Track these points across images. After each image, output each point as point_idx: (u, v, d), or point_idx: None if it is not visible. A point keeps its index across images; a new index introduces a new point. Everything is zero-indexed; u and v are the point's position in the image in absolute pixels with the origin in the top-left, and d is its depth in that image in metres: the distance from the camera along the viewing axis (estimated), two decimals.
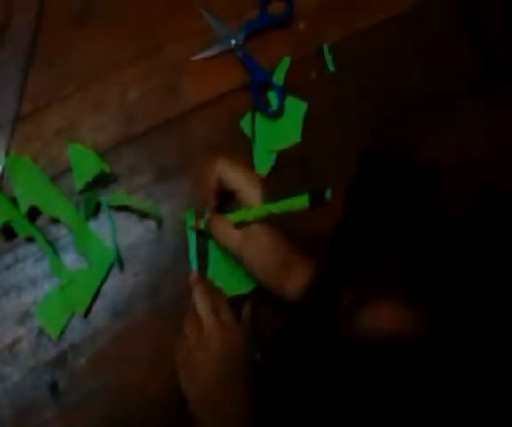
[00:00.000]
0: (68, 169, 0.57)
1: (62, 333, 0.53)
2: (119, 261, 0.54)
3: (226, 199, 0.52)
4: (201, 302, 0.52)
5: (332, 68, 0.60)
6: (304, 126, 0.59)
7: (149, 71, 0.59)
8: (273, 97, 0.59)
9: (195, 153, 0.57)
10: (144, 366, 0.51)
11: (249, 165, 0.57)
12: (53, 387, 0.51)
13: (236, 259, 0.52)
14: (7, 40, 0.60)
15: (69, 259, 0.55)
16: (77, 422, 0.51)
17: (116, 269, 0.54)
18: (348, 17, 0.61)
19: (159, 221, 0.55)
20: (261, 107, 0.57)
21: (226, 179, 0.50)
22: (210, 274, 0.56)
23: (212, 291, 0.54)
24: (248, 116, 0.58)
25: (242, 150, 0.58)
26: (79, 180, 0.56)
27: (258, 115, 0.58)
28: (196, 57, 0.60)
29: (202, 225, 0.54)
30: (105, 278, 0.54)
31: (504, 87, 0.60)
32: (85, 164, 0.56)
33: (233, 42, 0.59)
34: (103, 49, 0.60)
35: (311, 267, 0.49)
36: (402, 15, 0.62)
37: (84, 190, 0.56)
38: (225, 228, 0.51)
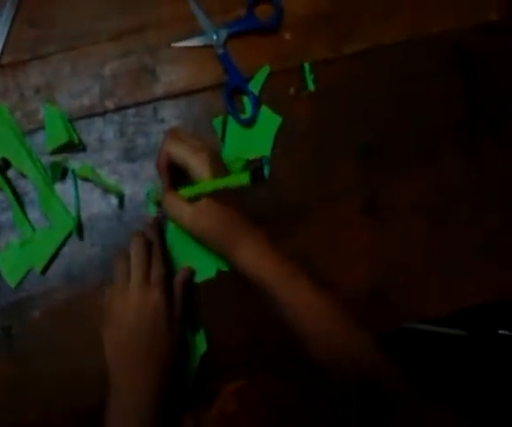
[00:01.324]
0: (42, 128, 0.64)
1: (20, 283, 0.62)
2: (78, 230, 0.63)
3: (181, 175, 0.58)
4: (135, 254, 0.57)
5: (311, 87, 0.66)
6: (275, 141, 0.65)
7: (128, 50, 0.65)
8: (248, 103, 0.65)
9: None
10: (89, 333, 0.60)
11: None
12: (6, 331, 0.61)
13: (189, 235, 0.58)
14: None
15: (34, 215, 0.63)
16: (25, 369, 0.61)
17: (74, 236, 0.63)
18: (335, 38, 0.67)
19: (120, 200, 0.63)
20: (232, 112, 0.64)
21: (173, 154, 0.55)
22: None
23: (152, 248, 0.59)
24: (221, 117, 0.65)
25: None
26: (49, 142, 0.63)
27: (230, 119, 0.65)
28: (176, 44, 0.65)
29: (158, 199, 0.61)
30: (64, 242, 0.63)
31: (489, 138, 0.68)
32: (57, 128, 0.63)
33: (214, 37, 0.64)
34: (86, 18, 0.66)
35: (257, 237, 0.57)
36: (390, 46, 0.68)
37: (54, 152, 0.64)
38: (177, 203, 0.56)
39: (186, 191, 0.56)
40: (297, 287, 0.56)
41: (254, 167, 0.48)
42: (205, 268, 0.64)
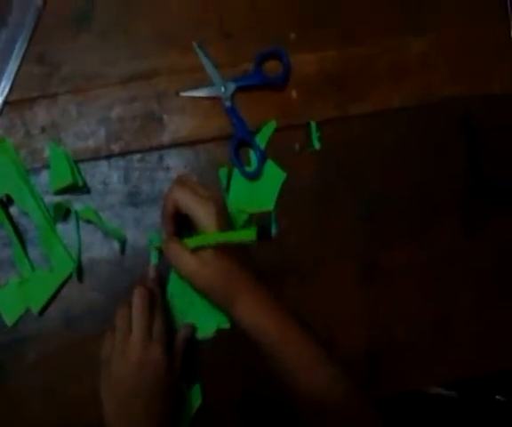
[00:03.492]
0: (47, 167, 0.72)
1: (17, 322, 0.70)
2: (79, 273, 0.71)
3: (185, 224, 0.65)
4: (138, 309, 0.63)
5: (317, 145, 0.76)
6: (279, 196, 0.74)
7: (136, 95, 0.75)
8: (253, 156, 0.74)
9: (167, 187, 0.72)
10: (87, 381, 0.67)
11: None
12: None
13: (190, 285, 0.65)
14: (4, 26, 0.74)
15: (34, 254, 0.71)
16: (17, 411, 0.69)
17: (74, 279, 0.71)
18: (342, 99, 0.77)
19: (122, 245, 0.72)
20: (238, 164, 0.73)
21: (180, 202, 0.62)
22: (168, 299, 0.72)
23: (154, 301, 0.65)
24: (226, 168, 0.74)
25: None
26: (53, 182, 0.71)
27: (235, 170, 0.74)
28: (184, 93, 0.75)
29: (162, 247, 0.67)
30: (63, 284, 0.71)
31: (487, 210, 0.79)
32: (62, 169, 0.71)
33: (222, 89, 0.74)
34: (96, 60, 0.75)
35: (258, 293, 0.63)
36: (396, 110, 0.78)
37: (57, 193, 0.72)
38: (180, 254, 0.62)
39: (190, 242, 0.62)
40: (295, 341, 0.62)
41: (262, 224, 0.56)
42: (205, 325, 0.72)
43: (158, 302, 0.67)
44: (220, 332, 0.72)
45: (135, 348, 0.61)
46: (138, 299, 0.64)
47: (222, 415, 0.72)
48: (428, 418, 1.20)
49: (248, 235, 0.56)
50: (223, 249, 0.62)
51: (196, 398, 0.71)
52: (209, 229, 0.61)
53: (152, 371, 0.61)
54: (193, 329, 0.71)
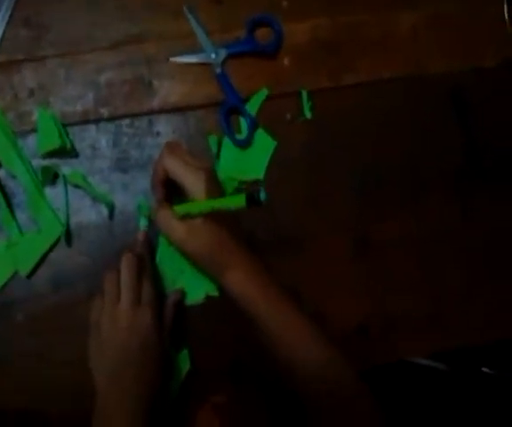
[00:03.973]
0: (35, 130, 0.72)
1: (5, 286, 0.70)
2: (67, 236, 0.71)
3: (175, 190, 0.64)
4: (126, 275, 0.62)
5: (308, 115, 0.75)
6: (269, 165, 0.74)
7: (125, 60, 0.74)
8: (244, 124, 0.74)
9: (156, 153, 0.71)
10: (75, 344, 0.66)
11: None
12: None
13: (180, 252, 0.66)
14: None
15: (22, 217, 0.71)
16: (3, 369, 0.69)
17: (63, 243, 0.71)
18: (334, 68, 0.77)
19: (110, 211, 0.72)
20: (228, 132, 0.72)
21: (170, 169, 0.61)
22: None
23: (142, 266, 0.65)
24: (216, 135, 0.73)
25: None
26: (41, 146, 0.71)
27: (225, 138, 0.73)
28: (174, 59, 0.74)
29: (152, 215, 0.67)
30: (51, 248, 0.70)
31: (478, 183, 0.78)
32: (50, 132, 0.71)
33: (213, 56, 0.73)
34: (85, 23, 0.74)
35: (248, 261, 0.63)
36: (389, 80, 0.78)
37: (45, 156, 0.72)
38: (169, 220, 0.62)
39: (180, 208, 0.62)
40: (283, 314, 0.63)
41: (251, 190, 0.54)
42: (194, 291, 0.72)
43: (147, 267, 0.67)
44: (209, 299, 0.72)
45: (124, 314, 0.61)
46: (126, 264, 0.63)
47: (211, 381, 0.72)
48: (417, 388, 1.22)
49: (237, 201, 0.56)
50: (213, 218, 0.61)
51: (185, 364, 0.71)
52: (198, 197, 0.61)
53: (142, 337, 0.61)
54: (183, 294, 0.71)
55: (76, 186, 0.72)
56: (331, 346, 0.62)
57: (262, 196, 0.54)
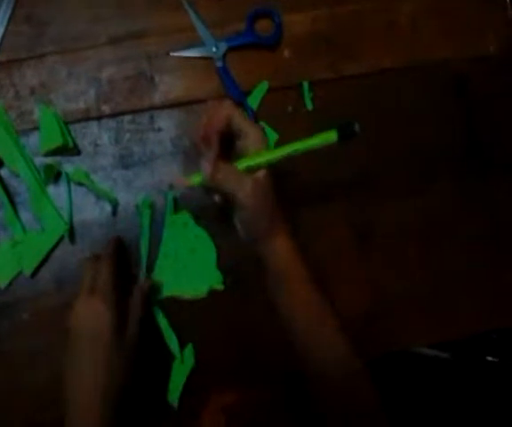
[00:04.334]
0: (37, 128, 0.71)
1: (9, 285, 0.69)
2: (70, 234, 0.71)
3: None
4: (84, 268, 0.64)
5: (309, 106, 0.75)
6: None
7: (127, 55, 0.74)
8: None
9: (159, 149, 0.72)
10: None
11: None
12: None
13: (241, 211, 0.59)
14: None
15: (25, 216, 0.71)
16: (8, 368, 0.69)
17: (66, 241, 0.70)
18: (334, 59, 0.76)
19: (114, 208, 0.71)
20: None
21: (234, 118, 0.57)
22: (157, 267, 0.71)
23: (99, 262, 0.64)
24: None
25: None
26: (44, 144, 0.71)
27: None
28: (175, 53, 0.73)
29: (195, 180, 0.59)
30: (55, 246, 0.70)
31: (482, 172, 0.78)
32: (52, 130, 0.71)
33: (214, 49, 0.73)
34: (85, 20, 0.74)
35: (290, 233, 0.61)
36: (389, 70, 0.77)
37: (48, 154, 0.71)
38: (237, 174, 0.57)
39: (240, 162, 0.58)
40: (313, 292, 0.61)
41: (342, 124, 0.53)
42: (198, 285, 0.72)
43: (104, 261, 0.64)
44: (214, 294, 0.72)
45: (80, 301, 0.61)
46: (85, 261, 0.65)
47: (216, 378, 0.72)
48: (421, 378, 1.21)
49: (328, 137, 0.54)
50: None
51: (189, 360, 0.71)
52: (260, 146, 0.58)
53: (93, 321, 0.60)
54: (151, 283, 0.69)
55: (79, 183, 0.72)
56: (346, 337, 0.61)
57: (356, 127, 0.51)
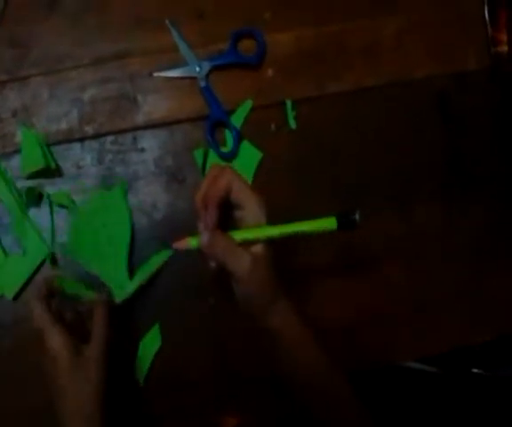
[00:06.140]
0: (19, 151, 0.69)
1: None
2: (52, 258, 0.68)
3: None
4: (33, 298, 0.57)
5: (293, 124, 0.73)
6: (255, 175, 0.71)
7: (108, 76, 0.71)
8: (229, 137, 0.71)
9: (142, 170, 0.70)
10: None
11: None
12: None
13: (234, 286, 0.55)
14: None
15: (7, 240, 0.68)
16: None
17: (48, 264, 0.68)
18: (317, 77, 0.74)
19: None
20: (213, 145, 0.70)
21: (234, 186, 0.54)
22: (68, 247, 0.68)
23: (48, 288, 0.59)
24: (202, 149, 0.71)
25: (190, 180, 0.71)
26: (25, 166, 0.68)
27: (211, 151, 0.71)
28: (158, 74, 0.71)
29: (193, 243, 0.56)
30: (37, 270, 0.68)
31: (462, 188, 0.76)
32: (34, 152, 0.68)
33: (197, 69, 0.71)
34: (67, 41, 0.72)
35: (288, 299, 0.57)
36: (373, 88, 0.75)
37: (30, 177, 0.69)
38: (233, 247, 0.53)
39: (238, 234, 0.55)
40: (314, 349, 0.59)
41: (343, 211, 0.51)
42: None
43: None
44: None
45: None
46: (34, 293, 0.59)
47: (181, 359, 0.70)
48: (408, 392, 1.19)
49: (327, 224, 0.52)
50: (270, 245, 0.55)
51: (155, 340, 0.69)
52: (260, 222, 0.55)
53: (51, 362, 0.56)
54: (107, 292, 0.66)
55: (62, 206, 0.69)
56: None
57: (357, 217, 0.50)
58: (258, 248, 0.55)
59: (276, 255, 0.57)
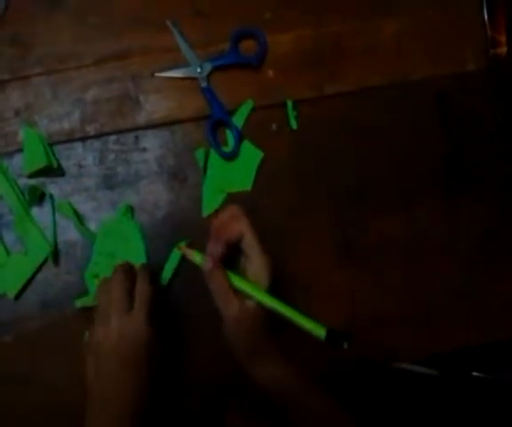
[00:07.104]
0: (21, 150, 0.69)
1: None
2: (54, 256, 0.68)
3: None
4: (114, 286, 0.57)
5: (294, 125, 0.73)
6: (256, 175, 0.71)
7: (111, 76, 0.71)
8: (230, 137, 0.71)
9: (144, 169, 0.70)
10: (63, 364, 0.65)
11: None
12: None
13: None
14: None
15: (9, 238, 0.68)
16: None
17: (50, 262, 0.68)
18: (318, 78, 0.74)
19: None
20: (215, 145, 0.70)
21: (247, 239, 0.56)
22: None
23: (132, 272, 0.60)
24: (203, 148, 0.71)
25: (192, 180, 0.71)
26: (28, 165, 0.68)
27: (212, 151, 0.71)
28: (160, 74, 0.71)
29: (197, 259, 0.58)
30: (39, 268, 0.67)
31: (462, 188, 0.76)
32: (36, 151, 0.68)
33: (198, 70, 0.71)
34: (70, 41, 0.71)
35: (281, 356, 0.58)
36: (372, 89, 0.75)
37: (32, 176, 0.69)
38: (226, 289, 0.56)
39: (236, 280, 0.57)
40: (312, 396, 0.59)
41: (335, 330, 0.52)
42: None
43: (142, 270, 0.61)
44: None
45: (114, 324, 0.56)
46: (114, 276, 0.59)
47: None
48: (408, 395, 1.19)
49: (317, 329, 0.54)
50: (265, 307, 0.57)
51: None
52: (260, 282, 0.56)
53: (134, 344, 0.56)
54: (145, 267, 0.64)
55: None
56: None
57: (345, 345, 0.52)
58: (250, 304, 0.56)
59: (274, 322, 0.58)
